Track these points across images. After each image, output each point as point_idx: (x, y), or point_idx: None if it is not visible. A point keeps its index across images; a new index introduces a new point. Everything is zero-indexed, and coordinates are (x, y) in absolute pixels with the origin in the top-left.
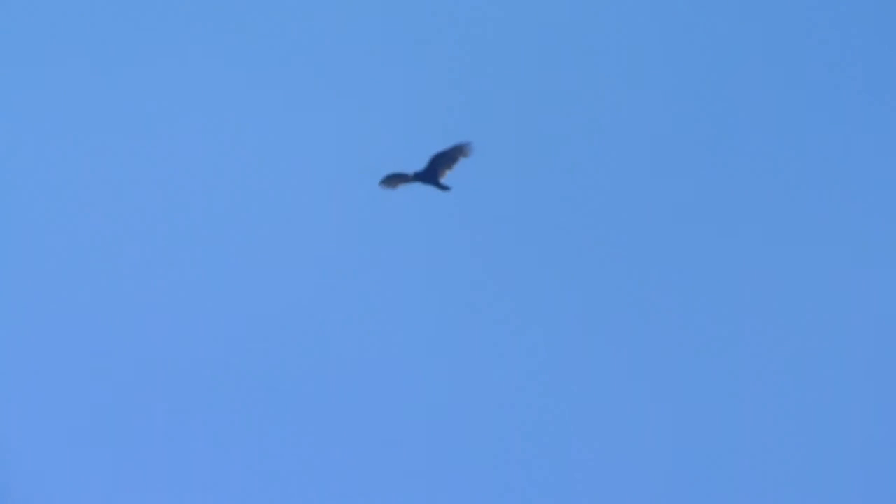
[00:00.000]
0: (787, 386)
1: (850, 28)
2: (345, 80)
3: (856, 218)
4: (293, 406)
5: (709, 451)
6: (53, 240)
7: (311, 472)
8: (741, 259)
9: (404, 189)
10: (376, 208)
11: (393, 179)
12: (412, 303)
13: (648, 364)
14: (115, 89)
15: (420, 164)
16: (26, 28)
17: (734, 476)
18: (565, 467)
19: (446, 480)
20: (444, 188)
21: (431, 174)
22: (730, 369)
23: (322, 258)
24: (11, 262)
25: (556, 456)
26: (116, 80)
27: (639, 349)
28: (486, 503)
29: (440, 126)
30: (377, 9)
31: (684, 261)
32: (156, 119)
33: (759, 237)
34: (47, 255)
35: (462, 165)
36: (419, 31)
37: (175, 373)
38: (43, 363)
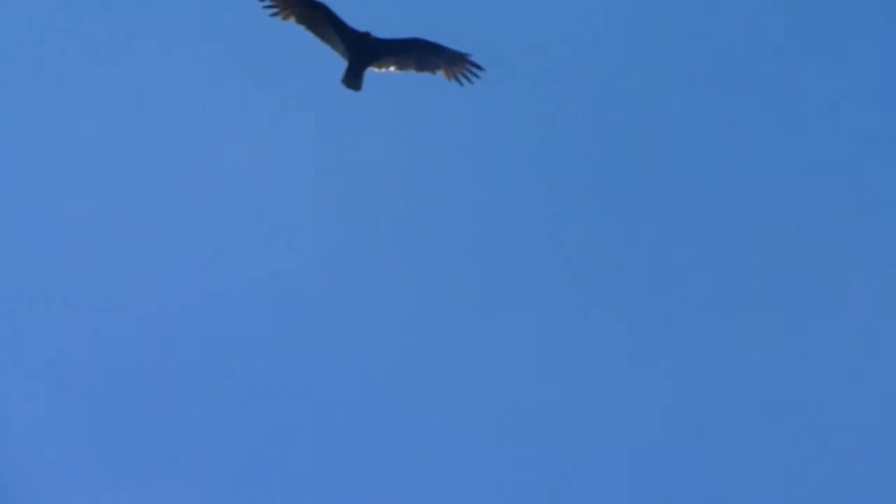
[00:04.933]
0: (782, 384)
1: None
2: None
3: (854, 216)
4: (289, 405)
5: (705, 449)
6: (51, 238)
7: (306, 471)
8: (736, 256)
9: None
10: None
11: (290, 6)
12: (408, 299)
13: (647, 363)
14: (108, 89)
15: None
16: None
17: (730, 475)
18: (561, 466)
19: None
20: (354, 82)
21: (366, 51)
22: (725, 367)
23: (316, 255)
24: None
25: (552, 455)
26: (110, 81)
27: (636, 347)
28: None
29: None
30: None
31: (681, 258)
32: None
33: (754, 233)
34: (43, 254)
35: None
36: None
37: (171, 372)
38: (38, 361)
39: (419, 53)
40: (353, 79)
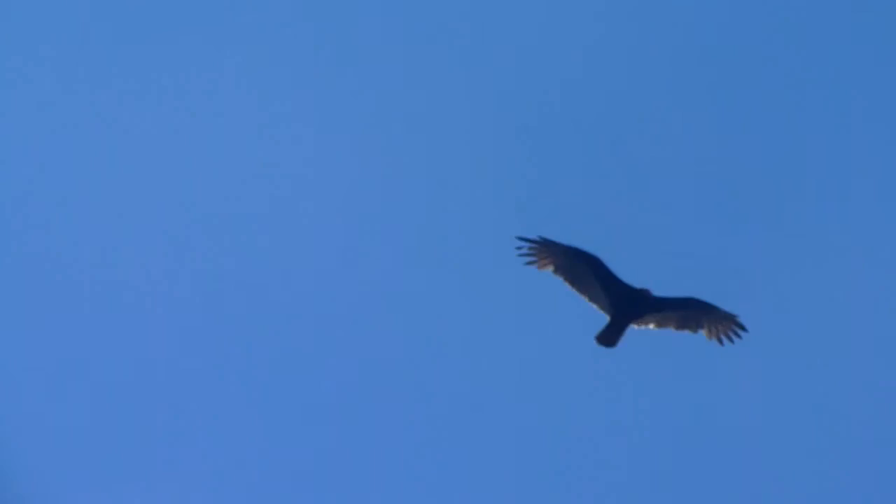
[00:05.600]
0: (779, 386)
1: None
2: (341, 82)
3: (855, 218)
4: (286, 406)
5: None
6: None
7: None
8: (735, 258)
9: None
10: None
11: (552, 255)
12: (408, 300)
13: (646, 364)
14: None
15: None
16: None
17: (727, 476)
18: (561, 468)
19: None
20: (613, 339)
21: (636, 308)
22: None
23: (320, 256)
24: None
25: (550, 457)
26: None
27: (638, 349)
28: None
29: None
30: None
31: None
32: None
33: (752, 235)
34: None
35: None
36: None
37: (169, 372)
38: (35, 361)
39: (688, 312)
40: (612, 335)
